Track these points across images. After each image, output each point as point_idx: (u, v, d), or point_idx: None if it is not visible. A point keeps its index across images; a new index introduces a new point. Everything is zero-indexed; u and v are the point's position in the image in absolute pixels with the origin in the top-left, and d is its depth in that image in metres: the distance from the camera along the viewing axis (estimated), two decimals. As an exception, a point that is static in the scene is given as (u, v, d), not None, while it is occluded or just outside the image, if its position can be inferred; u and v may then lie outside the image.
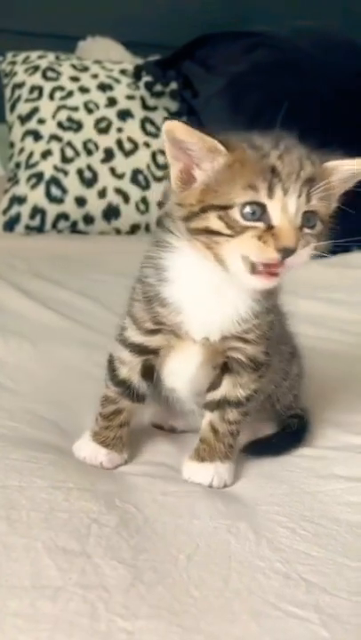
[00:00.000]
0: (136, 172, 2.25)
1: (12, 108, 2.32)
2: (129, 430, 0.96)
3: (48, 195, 2.18)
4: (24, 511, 0.78)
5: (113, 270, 1.76)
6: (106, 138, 2.26)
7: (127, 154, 2.26)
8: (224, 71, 2.30)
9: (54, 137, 2.23)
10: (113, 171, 2.24)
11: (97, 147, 2.25)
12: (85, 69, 2.35)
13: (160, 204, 0.90)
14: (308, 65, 2.31)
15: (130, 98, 2.33)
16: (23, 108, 2.28)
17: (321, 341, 1.37)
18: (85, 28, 2.53)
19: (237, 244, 0.78)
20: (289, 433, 1.02)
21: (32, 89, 2.29)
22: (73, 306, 1.53)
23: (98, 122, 2.27)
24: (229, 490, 0.91)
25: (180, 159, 0.81)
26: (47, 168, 2.20)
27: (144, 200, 2.24)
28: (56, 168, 2.20)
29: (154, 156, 2.28)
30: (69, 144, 2.23)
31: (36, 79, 2.30)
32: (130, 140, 2.28)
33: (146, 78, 2.35)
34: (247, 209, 0.78)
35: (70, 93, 2.28)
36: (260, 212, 0.78)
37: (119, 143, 2.27)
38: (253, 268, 0.79)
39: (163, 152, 2.26)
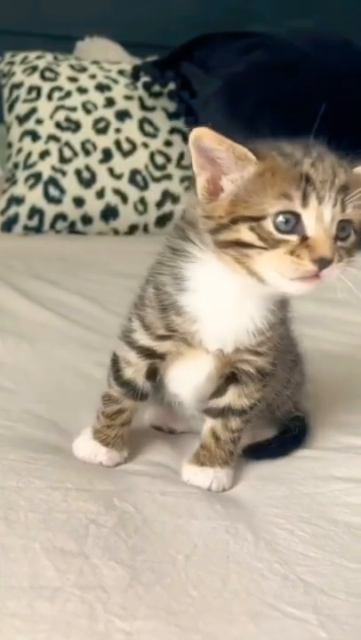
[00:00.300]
0: (134, 173, 2.25)
1: (10, 108, 2.32)
2: (129, 428, 0.95)
3: (46, 195, 2.18)
4: (22, 512, 0.78)
5: (111, 270, 1.76)
6: (104, 138, 2.26)
7: (125, 154, 2.26)
8: (222, 72, 2.30)
9: (52, 137, 2.23)
10: (111, 171, 2.24)
11: (95, 147, 2.25)
12: (83, 70, 2.35)
13: (183, 214, 0.88)
14: (307, 66, 2.31)
15: (128, 98, 2.33)
16: (21, 108, 2.28)
17: (321, 342, 1.37)
18: (83, 28, 2.53)
19: (270, 261, 0.76)
20: (289, 436, 1.02)
21: (30, 89, 2.29)
22: (71, 306, 1.53)
23: (96, 122, 2.27)
24: (228, 491, 0.91)
25: (206, 168, 0.78)
26: (45, 168, 2.20)
27: (142, 200, 2.24)
28: (54, 168, 2.20)
29: (152, 156, 2.28)
30: (67, 144, 2.23)
31: (35, 79, 2.30)
32: (128, 140, 2.28)
33: (144, 79, 2.35)
34: (280, 218, 0.75)
35: (68, 94, 2.29)
36: (293, 221, 0.75)
37: (117, 143, 2.27)
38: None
39: (161, 152, 2.29)
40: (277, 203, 0.75)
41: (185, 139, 2.26)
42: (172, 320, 0.86)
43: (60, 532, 0.76)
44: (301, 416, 1.05)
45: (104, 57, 2.47)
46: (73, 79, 2.31)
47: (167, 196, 2.26)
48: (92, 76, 2.33)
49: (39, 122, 2.25)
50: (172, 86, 2.36)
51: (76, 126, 2.25)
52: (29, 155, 2.22)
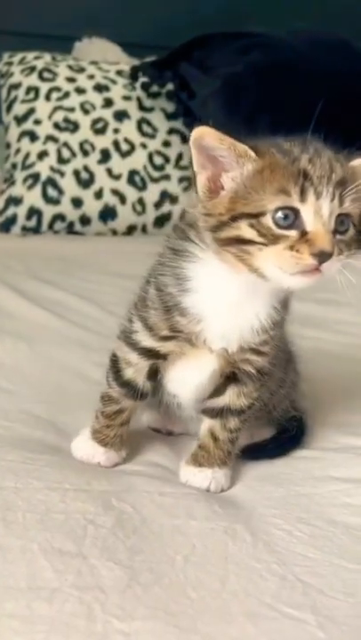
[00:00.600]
0: (132, 173, 2.25)
1: (9, 108, 2.31)
2: (128, 429, 0.95)
3: (44, 195, 2.18)
4: (20, 512, 0.78)
5: (110, 271, 1.76)
6: (102, 139, 2.26)
7: (124, 155, 2.26)
8: (221, 72, 2.30)
9: (50, 138, 2.23)
10: (109, 172, 2.24)
11: (93, 147, 2.25)
12: (82, 70, 2.35)
13: (183, 215, 0.88)
14: (305, 66, 2.31)
15: (126, 99, 2.33)
16: (19, 108, 2.28)
17: (320, 343, 1.37)
18: (82, 28, 2.53)
19: (270, 256, 0.77)
20: (286, 436, 1.02)
21: (28, 90, 2.29)
22: (69, 306, 1.53)
23: (94, 123, 2.27)
24: (226, 492, 0.91)
25: (207, 167, 0.79)
26: (43, 169, 2.20)
27: (140, 201, 2.24)
28: (52, 169, 2.20)
29: (150, 156, 2.28)
30: (66, 145, 2.23)
31: (33, 80, 2.30)
32: (126, 140, 2.28)
33: (142, 79, 2.35)
34: (279, 214, 0.76)
35: (67, 94, 2.28)
36: (292, 216, 0.76)
37: (116, 144, 2.27)
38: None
39: (159, 153, 2.29)
40: (276, 199, 0.76)
41: (183, 139, 2.27)
42: (176, 321, 0.86)
43: (58, 532, 0.76)
44: (299, 416, 1.05)
45: (102, 57, 2.47)
46: (71, 79, 2.31)
47: (165, 196, 2.25)
48: (91, 77, 2.33)
49: (37, 122, 2.25)
50: (170, 87, 2.36)
51: (74, 127, 2.25)
52: (27, 155, 2.22)
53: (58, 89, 2.29)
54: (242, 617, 0.67)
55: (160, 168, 2.27)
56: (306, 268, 0.76)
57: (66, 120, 2.25)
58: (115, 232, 2.24)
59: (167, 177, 2.27)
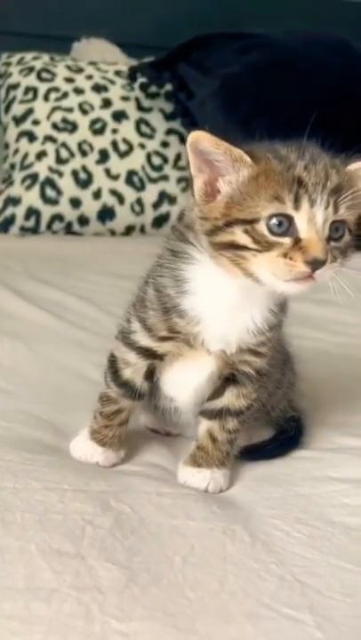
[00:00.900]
0: (131, 174, 2.25)
1: (7, 109, 2.31)
2: (126, 429, 0.95)
3: (43, 196, 2.18)
4: (18, 513, 0.78)
5: (108, 271, 1.76)
6: (101, 139, 2.26)
7: (122, 155, 2.26)
8: (219, 72, 2.30)
9: (49, 138, 2.23)
10: (108, 172, 2.24)
11: (92, 148, 2.25)
12: (80, 70, 2.35)
13: (181, 216, 0.88)
14: (304, 67, 2.31)
15: (125, 99, 2.33)
16: (18, 109, 2.28)
17: (318, 343, 1.37)
18: (80, 29, 2.53)
19: (264, 263, 0.77)
20: (285, 437, 1.02)
21: (27, 90, 2.29)
22: (67, 306, 1.53)
23: (93, 123, 2.27)
24: (225, 493, 0.91)
25: (203, 171, 0.79)
26: (42, 169, 2.20)
27: (139, 201, 2.24)
28: (51, 169, 2.20)
29: (149, 157, 2.28)
30: (64, 145, 2.23)
31: (31, 80, 2.30)
32: (125, 141, 2.28)
33: (141, 80, 2.35)
34: (273, 221, 0.76)
35: (65, 94, 2.28)
36: (286, 224, 0.76)
37: (114, 144, 2.27)
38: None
39: (158, 153, 2.29)
40: (270, 205, 0.76)
41: (182, 140, 2.27)
42: (174, 322, 0.86)
43: (56, 533, 0.76)
44: (297, 416, 1.05)
45: (101, 58, 2.47)
46: (69, 80, 2.31)
47: (164, 196, 2.26)
48: (89, 77, 2.33)
49: (36, 123, 2.25)
50: (168, 87, 2.36)
51: (72, 127, 2.25)
52: (26, 155, 2.22)
53: (56, 89, 2.29)
54: (240, 617, 0.67)
55: (158, 168, 2.27)
56: (299, 275, 0.76)
57: (64, 120, 2.25)
58: (113, 232, 2.24)
59: (165, 177, 2.27)
